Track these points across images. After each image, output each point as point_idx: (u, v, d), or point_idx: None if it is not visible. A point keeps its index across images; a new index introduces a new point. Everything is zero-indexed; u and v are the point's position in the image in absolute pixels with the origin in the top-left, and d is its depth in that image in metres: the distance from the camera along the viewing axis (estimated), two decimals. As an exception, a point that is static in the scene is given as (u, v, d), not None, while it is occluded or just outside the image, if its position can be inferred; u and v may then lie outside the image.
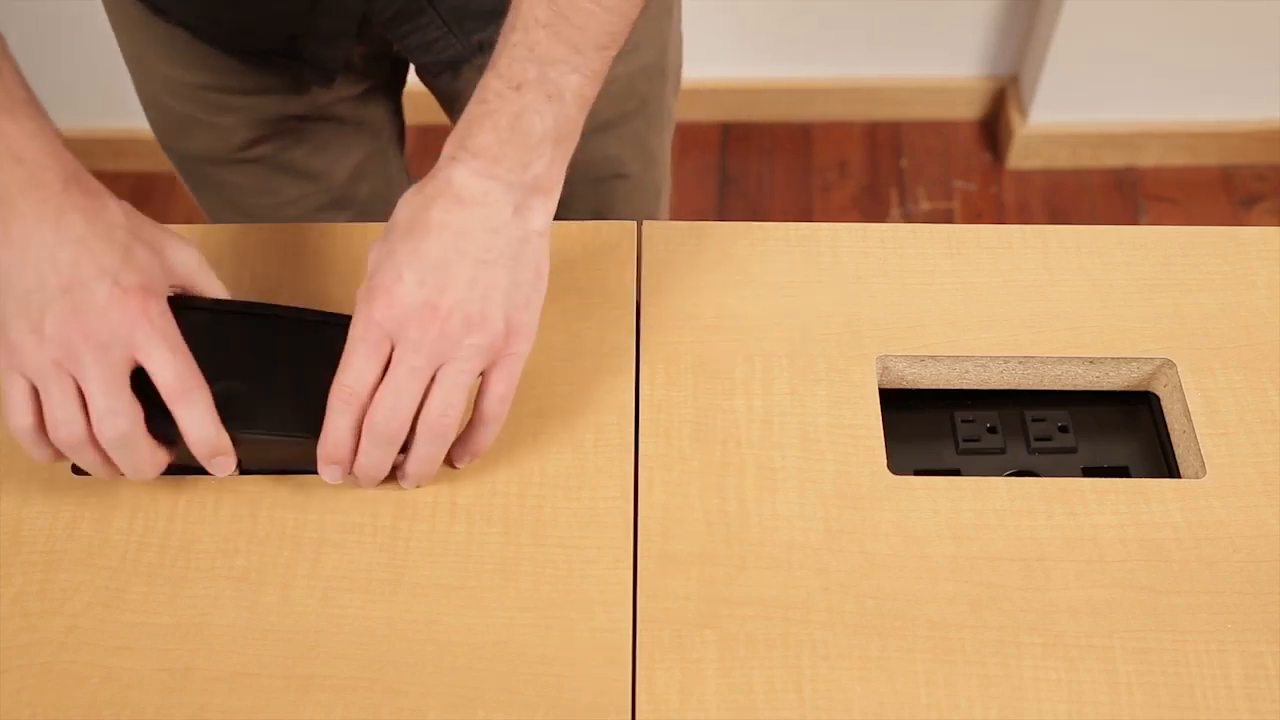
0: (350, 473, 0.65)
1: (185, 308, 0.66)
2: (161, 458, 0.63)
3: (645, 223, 0.80)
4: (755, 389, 0.72)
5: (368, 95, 0.93)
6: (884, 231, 0.80)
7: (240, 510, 0.67)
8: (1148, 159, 1.91)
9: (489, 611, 0.63)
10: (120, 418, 0.60)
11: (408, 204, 0.63)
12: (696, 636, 0.62)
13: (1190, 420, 0.70)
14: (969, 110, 1.98)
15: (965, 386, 0.75)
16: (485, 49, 0.84)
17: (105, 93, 1.87)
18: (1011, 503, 0.67)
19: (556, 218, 0.65)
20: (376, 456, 0.63)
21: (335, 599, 0.64)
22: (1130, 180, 1.91)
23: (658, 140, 0.99)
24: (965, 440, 0.73)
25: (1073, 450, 0.73)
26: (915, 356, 0.73)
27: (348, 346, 0.62)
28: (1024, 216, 1.86)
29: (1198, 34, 1.73)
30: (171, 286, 0.64)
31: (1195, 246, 0.78)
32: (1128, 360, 0.73)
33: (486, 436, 0.66)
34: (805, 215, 1.88)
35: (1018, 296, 0.76)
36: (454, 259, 0.61)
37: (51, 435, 0.61)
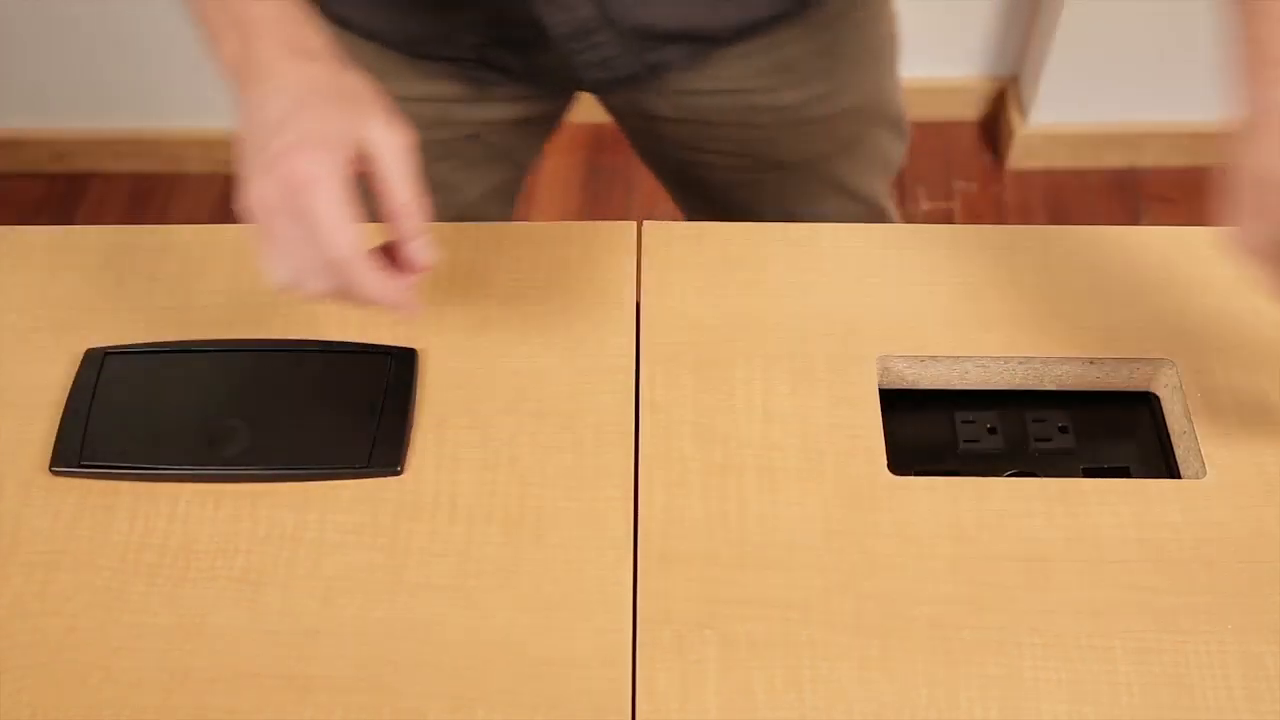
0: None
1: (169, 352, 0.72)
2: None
3: (645, 223, 0.80)
4: (755, 389, 0.72)
5: (526, 124, 0.96)
6: (884, 231, 0.80)
7: (240, 510, 0.67)
8: (1148, 159, 1.91)
9: (489, 612, 0.63)
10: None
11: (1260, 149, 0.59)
12: (696, 636, 0.62)
13: (1190, 421, 0.70)
14: (969, 110, 1.98)
15: (965, 387, 0.75)
16: (658, 71, 0.87)
17: (106, 93, 1.87)
18: (1011, 503, 0.67)
19: None
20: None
21: (335, 599, 0.64)
22: (1130, 180, 1.91)
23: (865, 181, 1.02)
24: (965, 441, 0.73)
25: (1073, 451, 0.73)
26: (915, 356, 0.73)
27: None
28: (1024, 217, 1.86)
29: (1199, 34, 1.73)
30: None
31: (1195, 246, 0.78)
32: (1128, 360, 0.73)
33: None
34: (805, 215, 1.88)
35: (1018, 296, 0.76)
36: None
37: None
